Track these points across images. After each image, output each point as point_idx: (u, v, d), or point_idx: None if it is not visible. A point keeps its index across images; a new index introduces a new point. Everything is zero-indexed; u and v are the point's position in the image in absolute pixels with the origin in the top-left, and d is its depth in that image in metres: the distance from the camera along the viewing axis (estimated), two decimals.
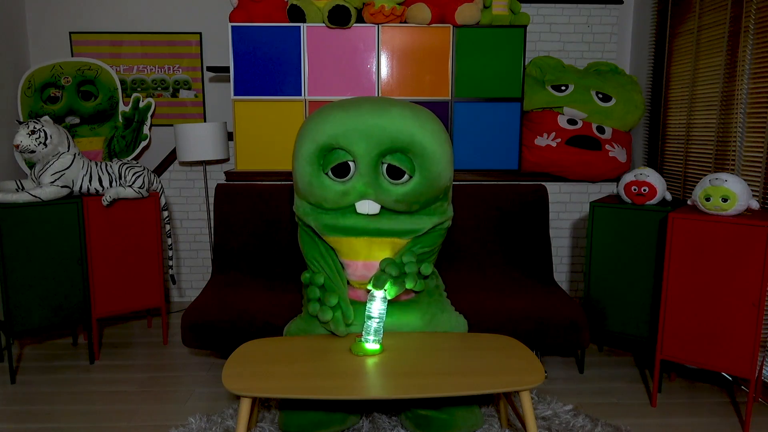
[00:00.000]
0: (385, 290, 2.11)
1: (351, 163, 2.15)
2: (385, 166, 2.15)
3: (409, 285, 2.15)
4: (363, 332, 2.07)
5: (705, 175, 2.89)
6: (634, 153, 3.76)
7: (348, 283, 2.23)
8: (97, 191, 2.98)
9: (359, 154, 2.11)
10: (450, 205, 2.33)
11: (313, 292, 2.21)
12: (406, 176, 2.14)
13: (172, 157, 3.83)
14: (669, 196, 2.72)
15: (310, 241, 2.28)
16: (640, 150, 3.70)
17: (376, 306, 2.07)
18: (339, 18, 3.14)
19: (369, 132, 2.09)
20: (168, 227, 3.27)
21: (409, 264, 2.17)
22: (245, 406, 1.81)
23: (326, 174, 2.17)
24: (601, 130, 3.43)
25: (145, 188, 3.07)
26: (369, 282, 2.14)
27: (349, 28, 3.25)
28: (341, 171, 2.15)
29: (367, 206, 2.17)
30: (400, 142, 2.10)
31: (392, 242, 2.20)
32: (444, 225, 2.28)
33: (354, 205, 2.18)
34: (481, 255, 3.05)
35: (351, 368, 1.91)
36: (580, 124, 3.42)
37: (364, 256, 2.19)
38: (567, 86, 3.47)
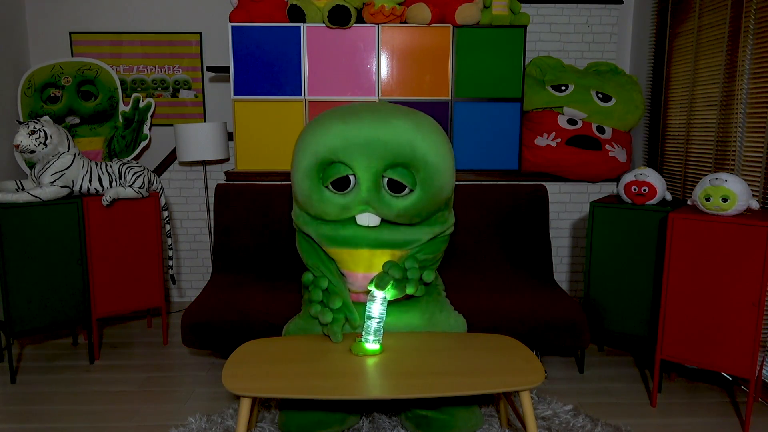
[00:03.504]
0: (386, 291, 2.11)
1: (351, 177, 2.12)
2: (386, 179, 2.12)
3: (410, 290, 2.15)
4: (363, 332, 2.07)
5: (705, 175, 2.89)
6: (634, 153, 3.76)
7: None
8: (97, 191, 2.98)
9: (360, 169, 2.08)
10: (451, 213, 2.32)
11: (316, 295, 2.19)
12: (407, 189, 2.12)
13: (172, 157, 3.83)
14: (669, 196, 2.72)
15: (309, 247, 2.28)
16: (640, 150, 3.70)
17: (376, 306, 2.07)
18: (339, 18, 3.14)
19: (370, 147, 2.06)
20: (168, 227, 3.27)
21: (411, 269, 2.16)
22: (245, 406, 1.81)
23: (326, 187, 2.14)
24: (601, 130, 3.43)
25: (145, 188, 3.07)
26: (371, 282, 2.14)
27: (349, 28, 3.25)
28: (341, 184, 2.13)
29: (368, 218, 2.16)
30: (401, 157, 2.07)
31: (392, 254, 2.19)
32: (445, 233, 2.28)
33: (354, 217, 2.17)
34: (481, 255, 3.05)
35: (351, 368, 1.91)
36: (580, 124, 3.42)
37: (364, 267, 2.18)
38: (567, 86, 3.47)
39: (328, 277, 2.22)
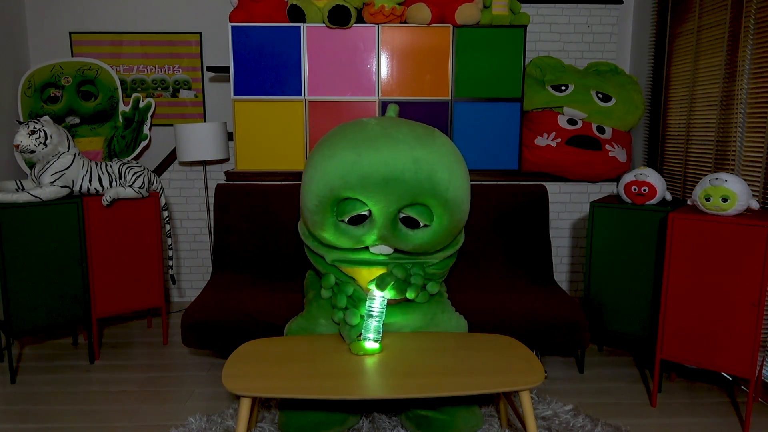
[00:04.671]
0: (386, 291, 2.11)
1: (366, 212, 2.05)
2: (402, 215, 2.06)
3: (410, 295, 2.14)
4: (363, 331, 2.07)
5: (705, 175, 2.89)
6: (634, 153, 3.76)
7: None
8: (97, 191, 2.98)
9: (376, 208, 2.01)
10: (462, 234, 2.31)
11: (341, 301, 2.16)
12: (422, 224, 2.07)
13: (172, 157, 3.83)
14: (669, 196, 2.72)
15: (320, 259, 2.28)
16: (640, 150, 3.70)
17: (376, 305, 2.07)
18: (339, 18, 3.14)
19: (388, 186, 1.96)
20: (168, 227, 3.27)
21: (415, 276, 2.15)
22: (245, 406, 1.81)
23: (341, 221, 2.08)
24: (601, 130, 3.43)
25: (145, 188, 3.07)
26: (371, 281, 2.14)
27: (349, 28, 3.25)
28: (357, 219, 2.08)
29: (380, 248, 2.14)
30: (421, 197, 2.00)
31: None
32: (455, 251, 2.27)
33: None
34: (482, 255, 3.05)
35: (351, 368, 1.91)
36: (580, 124, 3.42)
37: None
38: (567, 86, 3.47)
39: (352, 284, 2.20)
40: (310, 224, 2.14)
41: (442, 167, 2.00)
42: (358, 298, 2.16)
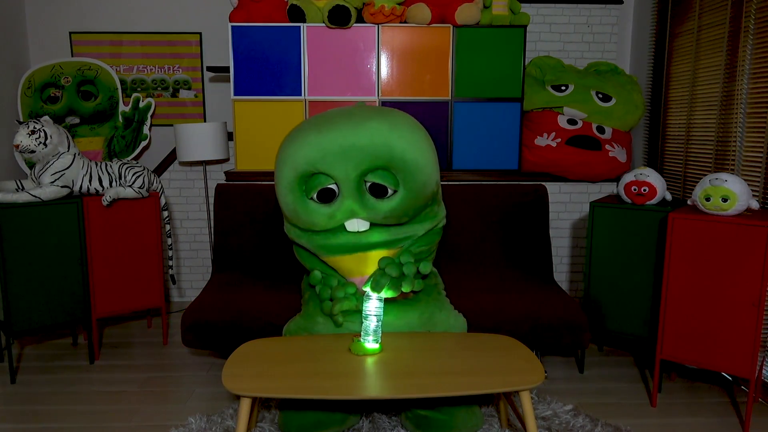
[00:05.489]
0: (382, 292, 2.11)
1: (334, 186, 2.12)
2: (368, 184, 2.12)
3: (405, 288, 2.14)
4: (361, 332, 2.07)
5: (705, 175, 2.89)
6: (634, 153, 3.76)
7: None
8: (97, 191, 2.98)
9: (340, 178, 2.08)
10: (441, 206, 2.32)
11: (325, 292, 2.20)
12: (390, 191, 2.12)
13: (172, 157, 3.83)
14: (669, 196, 2.72)
15: (308, 254, 2.29)
16: (640, 150, 3.70)
17: (373, 305, 2.06)
18: (339, 18, 3.14)
19: (346, 154, 2.05)
20: (168, 227, 3.27)
21: (407, 264, 2.16)
22: (245, 406, 1.81)
23: (311, 199, 2.14)
24: (601, 130, 3.43)
25: (145, 188, 3.07)
26: (366, 283, 2.14)
27: (349, 28, 3.25)
28: (325, 195, 2.13)
29: (356, 224, 2.16)
30: (379, 159, 2.06)
31: (387, 254, 2.20)
32: (437, 226, 2.27)
33: (343, 224, 2.17)
34: (481, 255, 3.05)
35: (351, 368, 1.91)
36: (580, 124, 3.42)
37: (359, 272, 2.19)
38: (567, 86, 3.47)
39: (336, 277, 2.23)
40: (284, 208, 2.19)
41: (397, 131, 2.08)
42: (343, 284, 2.20)
